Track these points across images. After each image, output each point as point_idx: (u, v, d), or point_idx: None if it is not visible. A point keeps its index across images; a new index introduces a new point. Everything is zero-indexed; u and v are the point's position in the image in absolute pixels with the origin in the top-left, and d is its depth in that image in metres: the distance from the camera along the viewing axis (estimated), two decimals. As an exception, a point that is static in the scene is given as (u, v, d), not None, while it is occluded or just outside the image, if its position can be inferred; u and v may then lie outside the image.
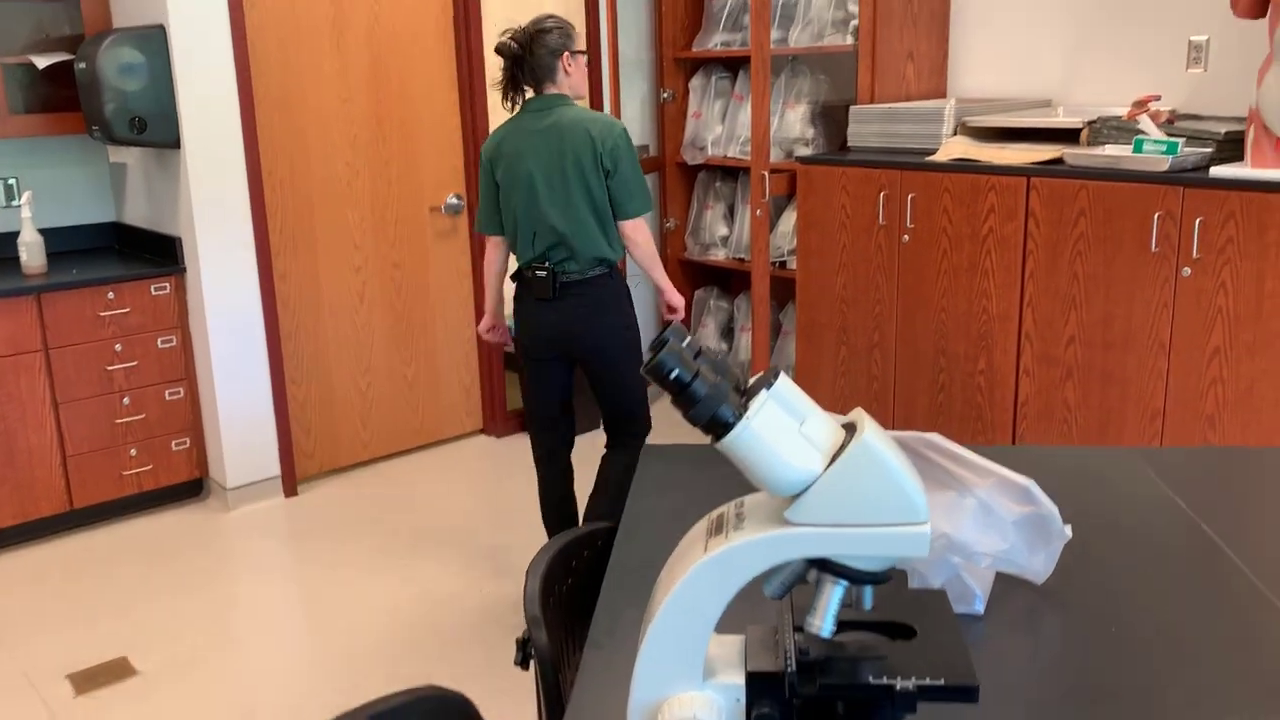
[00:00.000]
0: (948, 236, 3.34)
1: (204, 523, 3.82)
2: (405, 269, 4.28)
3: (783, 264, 4.34)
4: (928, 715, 0.94)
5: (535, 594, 1.47)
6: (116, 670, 2.90)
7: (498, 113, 4.35)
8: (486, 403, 4.59)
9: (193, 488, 4.01)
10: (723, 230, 4.73)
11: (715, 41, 4.55)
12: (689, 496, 1.69)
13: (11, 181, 3.93)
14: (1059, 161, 3.14)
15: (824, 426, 0.89)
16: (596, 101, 4.52)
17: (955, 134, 3.51)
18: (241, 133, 3.71)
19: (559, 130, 2.78)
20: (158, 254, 3.91)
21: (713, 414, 0.88)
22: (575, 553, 1.60)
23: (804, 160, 3.73)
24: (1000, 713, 1.12)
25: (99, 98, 3.49)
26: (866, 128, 3.71)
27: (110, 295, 3.64)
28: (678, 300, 3.02)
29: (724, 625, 0.95)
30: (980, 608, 1.30)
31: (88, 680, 2.86)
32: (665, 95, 4.76)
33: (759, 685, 0.93)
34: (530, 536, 3.62)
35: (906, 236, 3.45)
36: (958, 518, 1.26)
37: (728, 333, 4.87)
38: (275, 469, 3.98)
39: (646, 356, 0.90)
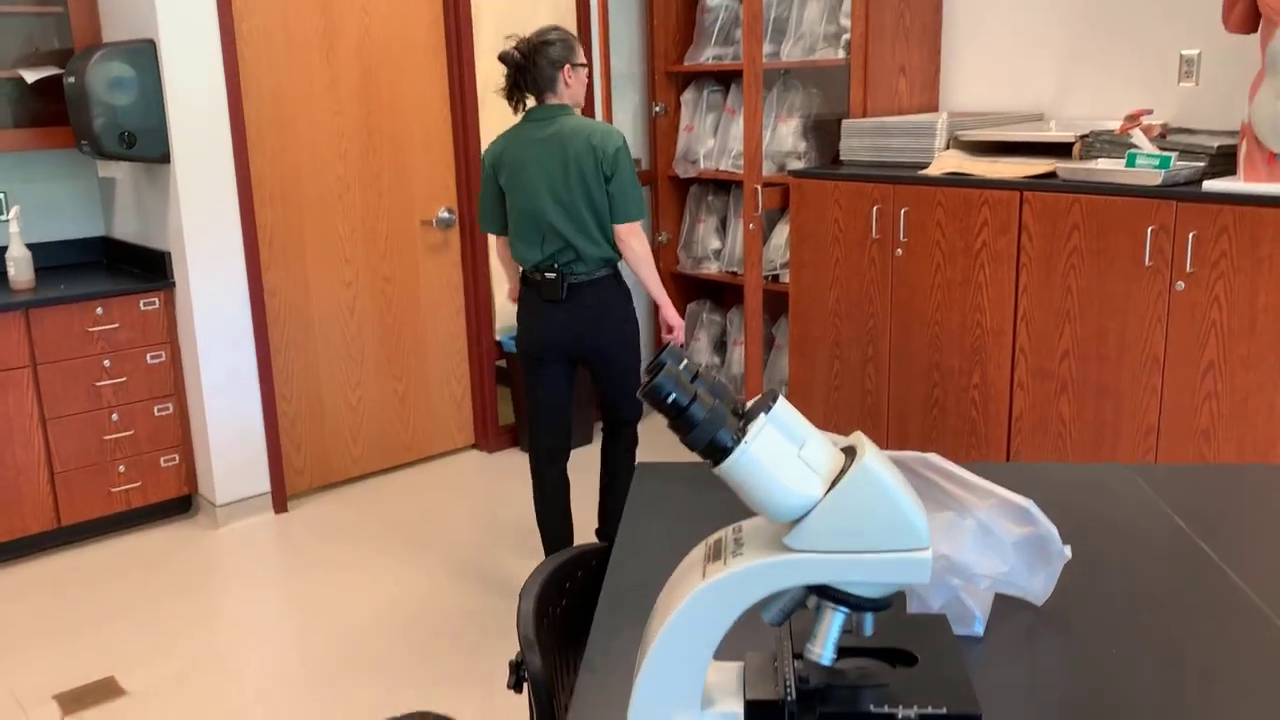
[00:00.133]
0: (941, 250, 3.34)
1: (193, 540, 3.78)
2: (396, 283, 4.26)
3: (775, 277, 4.34)
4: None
5: (529, 616, 1.45)
6: (104, 690, 2.86)
7: (490, 126, 4.36)
8: (478, 417, 4.57)
9: (182, 504, 3.98)
10: (715, 244, 4.72)
11: (707, 55, 4.55)
12: (684, 516, 1.68)
13: (0, 196, 3.91)
14: (1052, 175, 3.14)
15: (823, 450, 0.88)
16: (588, 115, 4.51)
17: (948, 148, 3.51)
18: (231, 147, 3.69)
19: (561, 138, 2.90)
20: (147, 269, 3.88)
21: (711, 438, 0.86)
22: (569, 573, 1.58)
23: (797, 174, 3.73)
24: (1002, 738, 1.10)
25: (88, 112, 3.47)
26: (859, 142, 3.71)
27: (99, 311, 3.61)
28: (676, 320, 3.11)
29: (722, 651, 0.94)
30: (980, 629, 1.28)
31: (75, 701, 2.82)
32: (657, 109, 4.76)
33: (758, 714, 0.91)
34: (524, 553, 3.60)
35: (900, 250, 3.44)
36: (957, 539, 1.24)
37: (720, 346, 4.86)
38: (265, 485, 3.95)
39: (643, 379, 0.89)
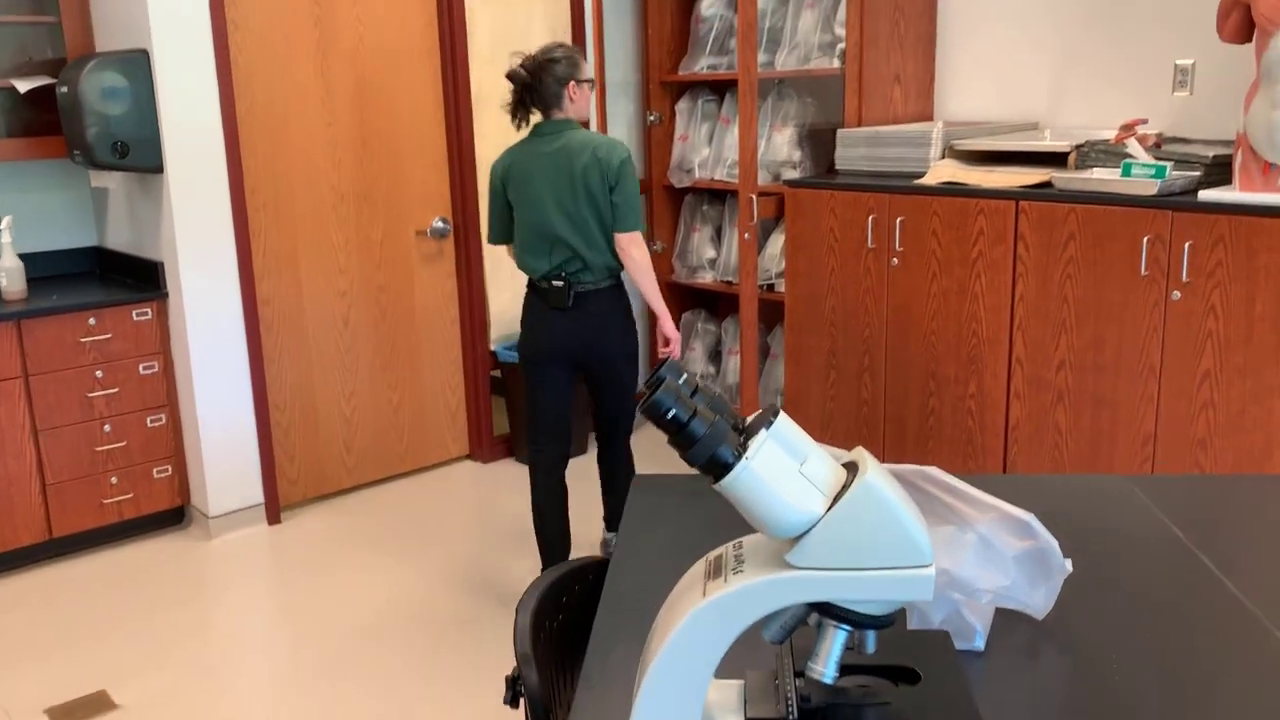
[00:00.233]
0: (937, 260, 3.33)
1: (186, 551, 3.76)
2: (391, 292, 4.24)
3: (771, 287, 4.33)
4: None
5: (525, 631, 1.43)
6: (96, 704, 2.84)
7: (484, 135, 4.35)
8: (473, 428, 4.55)
9: (174, 516, 3.96)
10: (710, 253, 4.72)
11: (702, 65, 4.55)
12: (681, 529, 1.67)
13: (-8, 206, 3.90)
14: (1047, 185, 3.14)
15: (825, 466, 0.87)
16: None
17: (943, 157, 3.51)
18: (225, 156, 3.68)
19: (568, 152, 3.00)
20: (140, 279, 3.87)
21: (711, 454, 0.85)
22: (566, 587, 1.57)
23: (792, 183, 3.72)
24: (1004, 755, 1.09)
25: (81, 122, 3.45)
26: (854, 151, 3.70)
27: (91, 321, 3.59)
28: (673, 333, 3.18)
29: (722, 669, 0.92)
30: (981, 644, 1.27)
31: (66, 715, 2.80)
32: (652, 118, 4.76)
33: (759, 733, 0.90)
34: (520, 564, 3.58)
35: (895, 260, 3.44)
36: (958, 553, 1.23)
37: (715, 356, 4.85)
38: (258, 496, 3.93)
39: (642, 393, 0.88)
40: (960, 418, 3.37)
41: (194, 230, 3.65)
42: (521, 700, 1.39)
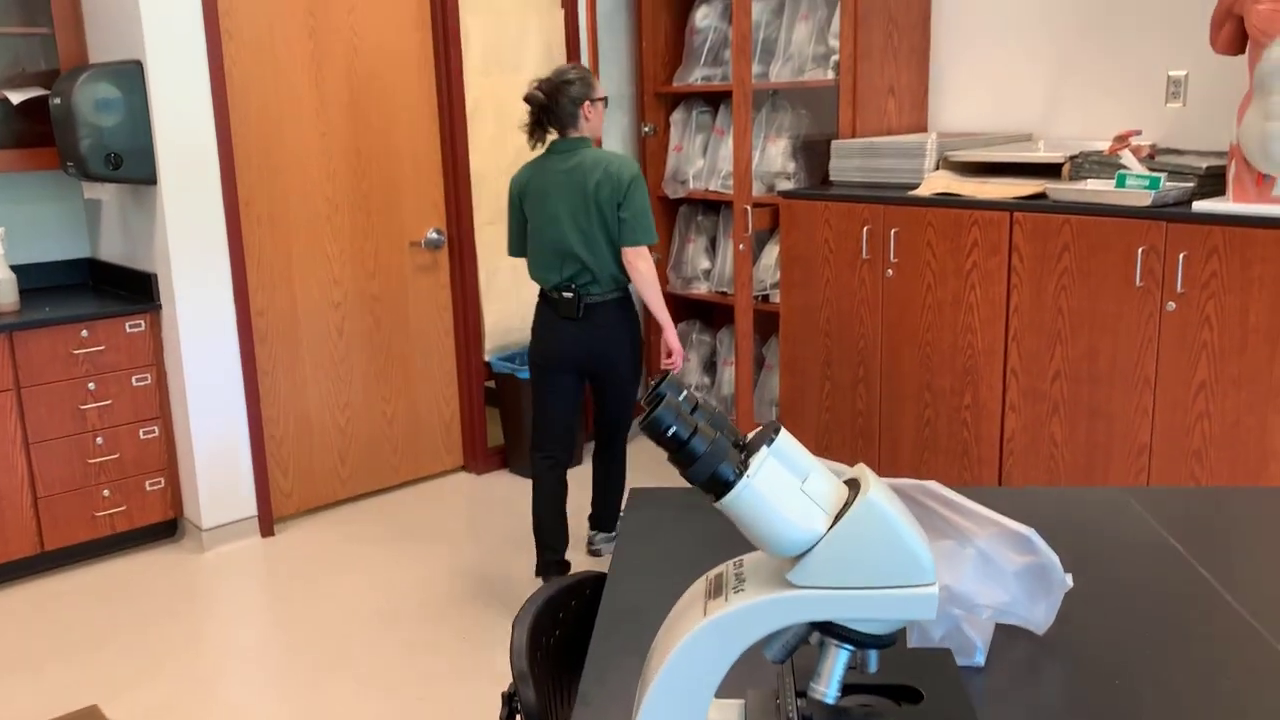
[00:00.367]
0: (931, 271, 3.34)
1: (179, 564, 3.74)
2: (385, 304, 4.23)
3: (765, 297, 4.33)
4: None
5: (522, 647, 1.42)
6: (88, 719, 2.82)
7: (479, 147, 4.35)
8: (467, 439, 4.54)
9: (167, 528, 3.93)
10: (705, 264, 4.72)
11: (696, 76, 4.56)
12: (678, 543, 1.66)
13: (-16, 217, 3.88)
14: (1041, 196, 3.14)
15: (827, 484, 0.86)
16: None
17: (937, 168, 3.51)
18: (219, 168, 3.67)
19: (583, 170, 3.14)
20: (133, 291, 3.85)
21: (712, 472, 0.84)
22: (563, 603, 1.56)
23: (786, 194, 3.73)
24: (1006, 773, 1.09)
25: (74, 133, 3.44)
26: (848, 162, 3.71)
27: (84, 333, 3.58)
28: (676, 345, 3.31)
29: (722, 688, 0.92)
30: (981, 660, 1.26)
31: (57, 730, 2.78)
32: (646, 129, 4.76)
33: (761, 753, 0.89)
34: (515, 576, 3.57)
35: (890, 271, 3.44)
36: (958, 568, 1.23)
37: (710, 367, 4.85)
38: (252, 508, 3.91)
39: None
40: (955, 429, 3.37)
41: (187, 242, 3.64)
42: (518, 717, 1.38)
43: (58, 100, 3.51)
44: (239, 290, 3.77)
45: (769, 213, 4.01)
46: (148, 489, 3.80)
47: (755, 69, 4.19)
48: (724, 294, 4.60)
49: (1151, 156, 3.13)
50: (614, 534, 3.59)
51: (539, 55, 4.44)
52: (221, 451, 3.81)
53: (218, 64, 3.61)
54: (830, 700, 0.87)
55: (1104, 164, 3.12)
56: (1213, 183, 2.96)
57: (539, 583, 3.47)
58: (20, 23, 3.75)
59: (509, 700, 1.39)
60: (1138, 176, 2.92)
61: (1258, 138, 2.70)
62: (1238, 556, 1.56)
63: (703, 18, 4.53)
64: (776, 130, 4.24)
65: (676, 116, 4.72)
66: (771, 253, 4.35)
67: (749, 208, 3.92)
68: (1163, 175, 2.90)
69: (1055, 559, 1.26)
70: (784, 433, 0.87)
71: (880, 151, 3.62)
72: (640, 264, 3.17)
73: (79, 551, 3.75)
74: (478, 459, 4.52)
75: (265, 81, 3.81)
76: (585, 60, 4.55)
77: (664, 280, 4.89)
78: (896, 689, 0.93)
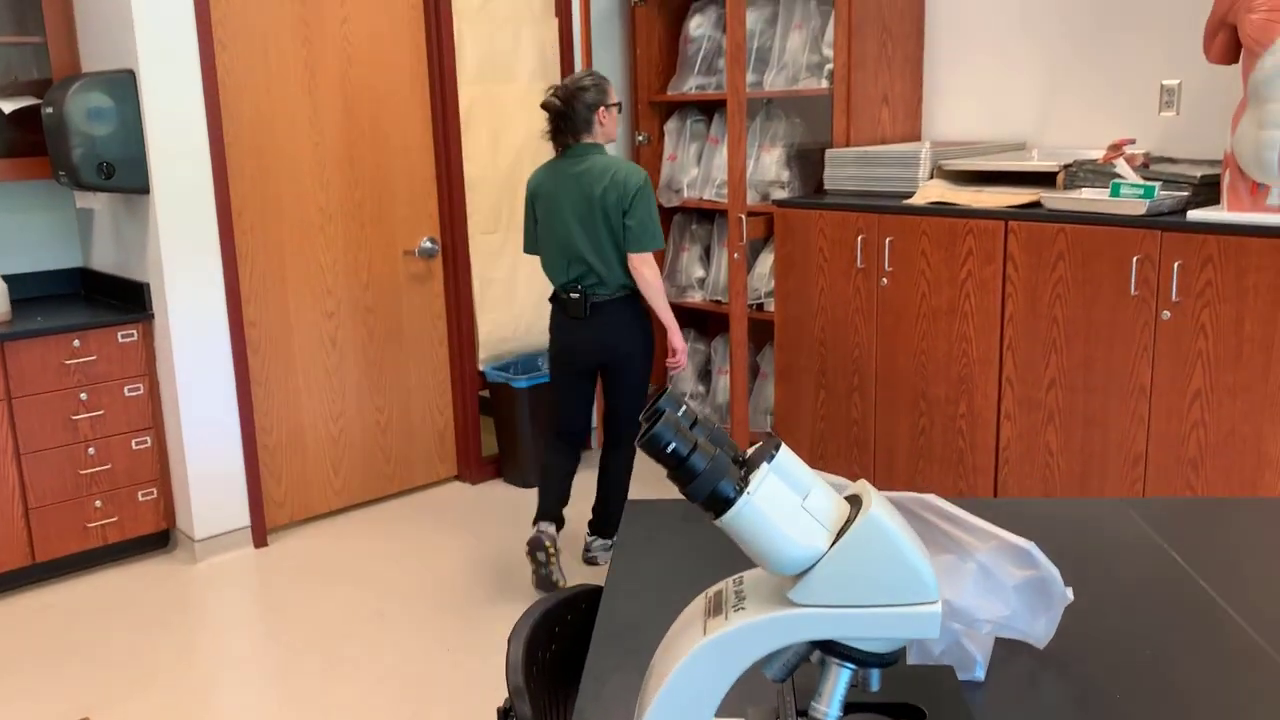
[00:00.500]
0: (926, 279, 3.33)
1: (171, 575, 3.72)
2: (378, 313, 4.22)
3: (760, 306, 4.32)
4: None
5: (518, 662, 1.41)
6: (79, 733, 2.80)
7: (472, 156, 4.34)
8: (461, 449, 4.52)
9: (160, 539, 3.91)
10: (699, 272, 4.71)
11: (690, 85, 4.56)
12: (675, 556, 1.65)
13: (-25, 227, 3.86)
14: (1036, 205, 3.14)
15: (828, 500, 0.85)
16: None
17: (932, 177, 3.51)
18: (212, 177, 3.66)
19: (591, 175, 3.24)
20: (125, 300, 3.83)
21: (712, 489, 0.83)
22: (559, 617, 1.55)
23: (781, 203, 3.72)
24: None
25: (66, 143, 3.43)
26: (843, 171, 3.71)
27: (76, 343, 3.56)
28: (681, 344, 3.39)
29: (722, 707, 0.91)
30: (981, 674, 1.25)
31: (48, 744, 2.75)
32: (641, 138, 4.76)
33: (762, 773, 0.88)
34: (510, 587, 3.55)
35: (885, 279, 3.44)
36: (958, 583, 1.22)
37: (705, 375, 4.84)
38: (245, 519, 3.89)
39: (641, 428, 0.86)
40: (951, 437, 3.36)
41: (180, 251, 3.62)
42: (514, 733, 1.37)
43: (50, 109, 3.49)
44: (232, 300, 3.75)
45: (763, 221, 4.01)
46: (140, 500, 3.77)
47: (749, 78, 4.19)
48: (719, 302, 4.60)
49: (1145, 165, 3.14)
50: (611, 542, 3.57)
51: (533, 64, 4.44)
52: (214, 462, 3.79)
53: (210, 73, 3.60)
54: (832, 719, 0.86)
55: (1098, 173, 3.13)
56: (1207, 191, 2.96)
57: (535, 594, 3.46)
58: (12, 31, 3.74)
59: (505, 716, 1.37)
60: (1132, 185, 2.92)
61: (1252, 146, 2.71)
62: (1239, 569, 1.55)
63: (696, 27, 4.53)
64: (771, 139, 4.24)
65: (671, 125, 4.72)
66: (766, 261, 4.35)
67: (743, 216, 3.92)
68: (1157, 184, 2.91)
69: (1056, 572, 1.25)
70: (784, 448, 0.86)
71: (875, 160, 3.62)
72: (645, 270, 3.26)
73: (70, 563, 3.73)
74: (472, 469, 4.50)
75: (258, 91, 3.80)
76: (579, 69, 4.54)
77: (658, 289, 4.88)
78: (899, 707, 0.93)
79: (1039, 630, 1.28)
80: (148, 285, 3.70)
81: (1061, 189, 3.22)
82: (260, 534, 3.93)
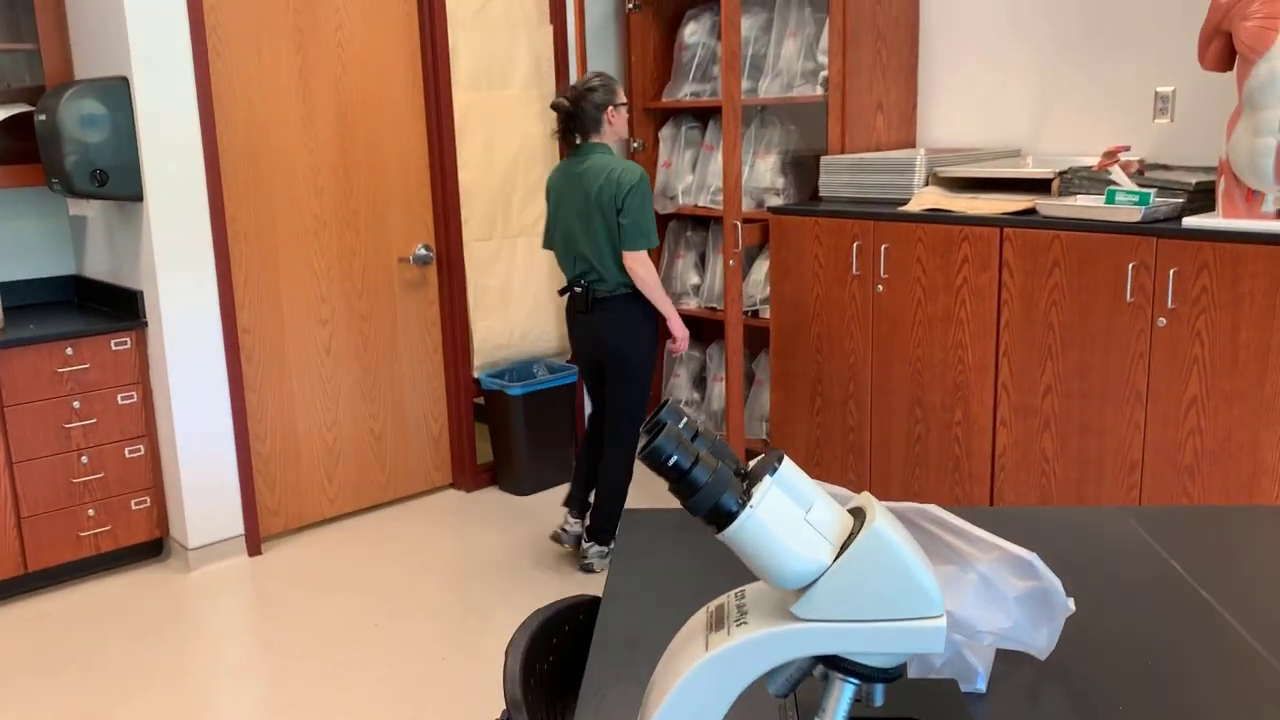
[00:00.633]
0: (922, 287, 3.33)
1: (165, 584, 3.70)
2: (373, 321, 4.21)
3: (755, 313, 4.32)
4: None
5: (515, 675, 1.40)
6: (71, 744, 2.78)
7: (466, 163, 4.33)
8: (455, 456, 4.51)
9: (153, 548, 3.89)
10: (694, 279, 4.71)
11: (685, 92, 4.55)
12: (675, 566, 1.64)
13: (-33, 234, 3.84)
14: (1032, 212, 3.15)
15: (831, 513, 0.85)
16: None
17: (927, 184, 3.51)
18: (206, 184, 3.64)
19: (590, 174, 3.34)
20: (118, 308, 3.82)
21: (715, 502, 0.83)
22: (557, 628, 1.54)
23: (776, 210, 3.72)
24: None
25: (59, 150, 3.42)
26: (838, 178, 3.71)
27: (69, 351, 3.54)
28: (681, 330, 3.49)
29: (725, 722, 0.90)
30: (982, 686, 1.25)
31: (40, 756, 2.73)
32: (635, 145, 4.76)
33: (764, 789, 0.87)
34: (505, 595, 3.54)
35: (881, 286, 3.44)
36: (959, 594, 1.21)
37: (700, 383, 4.83)
38: (238, 527, 3.88)
39: (641, 441, 0.85)
40: (947, 444, 3.36)
41: (174, 258, 3.61)
42: (512, 746, 1.36)
43: (43, 116, 3.48)
44: (225, 307, 3.74)
45: (758, 228, 4.01)
46: (133, 508, 3.76)
47: (744, 85, 4.19)
48: (714, 309, 4.59)
49: (1140, 172, 3.14)
50: (608, 549, 3.56)
51: (528, 71, 4.43)
52: (208, 470, 3.77)
53: (204, 80, 3.59)
54: (835, 735, 0.85)
55: (1093, 179, 3.13)
56: (1202, 198, 2.96)
57: (532, 604, 3.45)
58: (5, 38, 3.72)
59: (503, 728, 1.36)
60: (1128, 192, 2.92)
61: (1247, 153, 2.71)
62: (1240, 578, 1.55)
63: (691, 34, 4.53)
64: (766, 146, 4.24)
65: (665, 132, 4.71)
66: (761, 268, 4.34)
67: (739, 223, 3.91)
68: (1152, 191, 2.91)
69: (1057, 583, 1.25)
70: (787, 461, 0.86)
71: (870, 167, 3.62)
72: (639, 269, 3.33)
73: (63, 572, 3.71)
74: (467, 476, 4.49)
75: (252, 97, 3.79)
76: (574, 76, 4.54)
77: (653, 295, 4.87)
78: (901, 721, 0.92)
79: (1040, 641, 1.27)
80: (141, 293, 3.68)
81: (1056, 196, 3.23)
82: (254, 542, 3.91)
